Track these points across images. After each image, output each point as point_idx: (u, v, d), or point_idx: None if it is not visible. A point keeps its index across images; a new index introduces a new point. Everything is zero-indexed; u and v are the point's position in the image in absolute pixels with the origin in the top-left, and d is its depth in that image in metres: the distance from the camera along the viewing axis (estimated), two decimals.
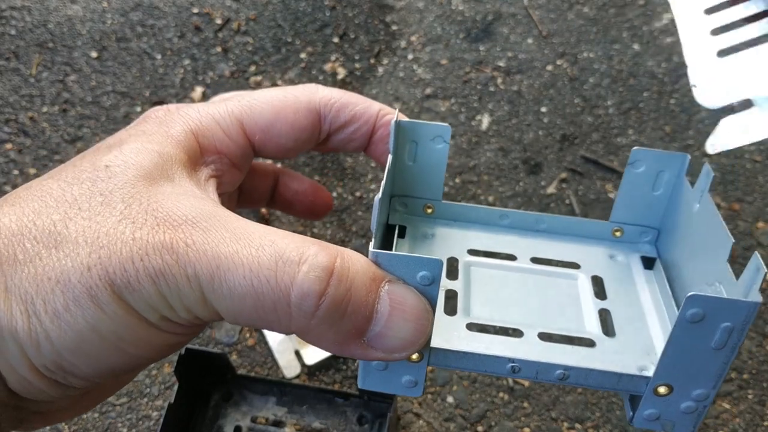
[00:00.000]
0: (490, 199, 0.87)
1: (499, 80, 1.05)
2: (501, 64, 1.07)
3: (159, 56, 1.07)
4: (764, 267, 0.20)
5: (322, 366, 0.77)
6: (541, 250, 0.29)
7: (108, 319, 0.19)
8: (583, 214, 0.89)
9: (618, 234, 0.30)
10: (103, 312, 0.19)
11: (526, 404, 0.75)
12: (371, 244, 0.22)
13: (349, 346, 0.20)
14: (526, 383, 0.78)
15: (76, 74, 1.05)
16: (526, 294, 0.27)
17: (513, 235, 0.30)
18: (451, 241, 0.30)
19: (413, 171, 0.30)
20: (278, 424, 0.70)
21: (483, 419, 0.74)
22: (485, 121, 1.01)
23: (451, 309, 0.26)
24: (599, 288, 0.28)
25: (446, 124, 0.29)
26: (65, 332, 0.19)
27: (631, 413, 0.23)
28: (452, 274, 0.27)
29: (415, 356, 0.22)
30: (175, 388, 0.64)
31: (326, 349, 0.21)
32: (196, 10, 1.14)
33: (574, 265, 0.29)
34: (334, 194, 0.97)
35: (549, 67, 1.06)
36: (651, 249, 0.29)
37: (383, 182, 0.24)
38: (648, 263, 0.29)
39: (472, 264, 0.28)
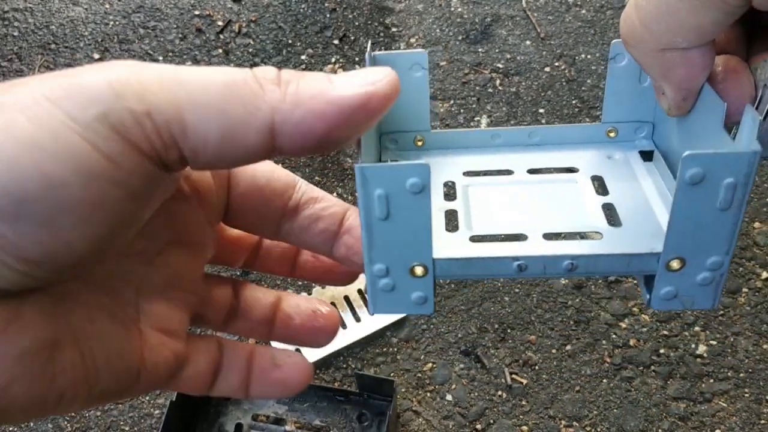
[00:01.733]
0: None
1: (498, 82, 1.05)
2: (499, 65, 1.08)
3: (161, 58, 1.07)
4: (758, 115, 0.19)
5: (322, 364, 0.78)
6: (536, 162, 0.29)
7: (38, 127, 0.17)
8: None
9: (612, 134, 0.29)
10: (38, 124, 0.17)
11: (524, 402, 0.76)
12: (359, 158, 0.22)
13: (326, 92, 0.19)
14: (524, 381, 0.79)
15: None
16: (526, 203, 0.26)
17: (507, 153, 0.29)
18: (446, 167, 0.29)
19: (397, 104, 0.29)
20: (279, 421, 0.70)
21: (481, 417, 0.75)
22: (484, 122, 1.02)
23: (452, 227, 0.25)
24: (600, 185, 0.27)
25: (422, 51, 0.28)
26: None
27: (648, 296, 0.23)
28: (450, 196, 0.27)
29: (419, 270, 0.22)
30: None
31: (312, 106, 0.19)
32: (197, 12, 1.15)
33: (572, 170, 0.28)
34: (334, 194, 0.97)
35: (547, 69, 1.07)
36: (648, 143, 0.28)
37: None
38: (647, 156, 0.28)
39: (470, 184, 0.28)
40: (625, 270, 0.22)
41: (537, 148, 0.29)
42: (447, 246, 0.24)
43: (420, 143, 0.30)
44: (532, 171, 0.28)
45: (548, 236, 0.24)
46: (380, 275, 0.22)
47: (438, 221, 0.25)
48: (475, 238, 0.24)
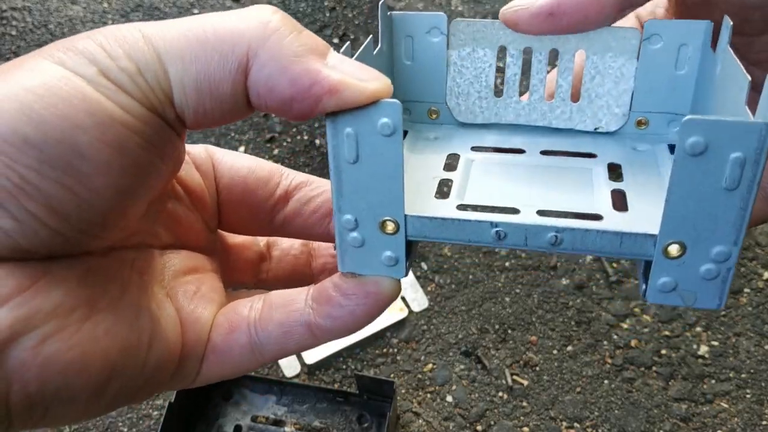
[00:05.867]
0: None
1: (499, 80, 1.05)
2: (500, 64, 1.07)
3: None
4: None
5: (322, 365, 0.78)
6: (552, 145, 0.26)
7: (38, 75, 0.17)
8: None
9: (643, 126, 0.26)
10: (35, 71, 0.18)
11: (525, 403, 0.75)
12: None
13: (310, 59, 0.19)
14: (525, 382, 0.79)
15: None
16: (529, 181, 0.24)
17: (524, 133, 0.27)
18: (455, 141, 0.27)
19: (412, 71, 0.27)
20: (278, 423, 0.70)
21: (482, 418, 0.75)
22: None
23: (443, 195, 0.23)
24: (616, 173, 0.24)
25: (441, 13, 0.26)
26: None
27: (644, 286, 0.20)
28: (451, 168, 0.25)
29: (390, 226, 0.21)
30: None
31: (286, 65, 0.19)
32: (196, 11, 1.14)
33: (590, 156, 0.25)
34: None
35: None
36: None
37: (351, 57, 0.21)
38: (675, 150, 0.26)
39: (475, 159, 0.26)
40: (617, 251, 0.19)
41: (557, 131, 0.27)
42: (429, 209, 0.22)
43: (434, 116, 0.28)
44: (545, 152, 0.26)
45: (542, 213, 0.22)
46: (349, 227, 0.21)
47: (429, 188, 0.24)
48: (463, 207, 0.22)
